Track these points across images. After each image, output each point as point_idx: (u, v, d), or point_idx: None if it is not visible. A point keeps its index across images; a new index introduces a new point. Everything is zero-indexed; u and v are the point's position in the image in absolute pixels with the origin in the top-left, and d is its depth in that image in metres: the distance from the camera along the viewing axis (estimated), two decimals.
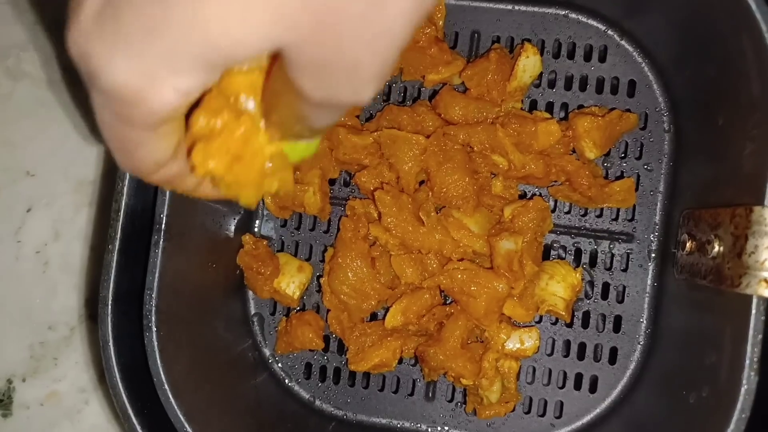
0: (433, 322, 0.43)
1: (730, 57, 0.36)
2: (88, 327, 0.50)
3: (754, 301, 0.33)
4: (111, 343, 0.37)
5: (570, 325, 0.44)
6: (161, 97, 0.19)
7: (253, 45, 0.18)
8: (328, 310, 0.45)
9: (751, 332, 0.33)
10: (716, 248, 0.35)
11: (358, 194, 0.46)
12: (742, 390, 0.33)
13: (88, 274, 0.50)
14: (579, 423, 0.44)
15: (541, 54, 0.45)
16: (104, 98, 0.20)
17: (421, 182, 0.44)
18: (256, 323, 0.46)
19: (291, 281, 0.45)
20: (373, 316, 0.45)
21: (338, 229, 0.45)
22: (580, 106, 0.44)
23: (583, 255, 0.44)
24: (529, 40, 0.45)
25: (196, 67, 0.19)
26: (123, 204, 0.37)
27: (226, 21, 0.18)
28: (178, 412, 0.37)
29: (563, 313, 0.42)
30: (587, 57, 0.45)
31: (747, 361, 0.33)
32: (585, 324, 0.44)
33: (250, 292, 0.46)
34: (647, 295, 0.43)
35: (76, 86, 0.51)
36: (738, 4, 0.34)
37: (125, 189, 0.37)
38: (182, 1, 0.18)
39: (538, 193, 0.45)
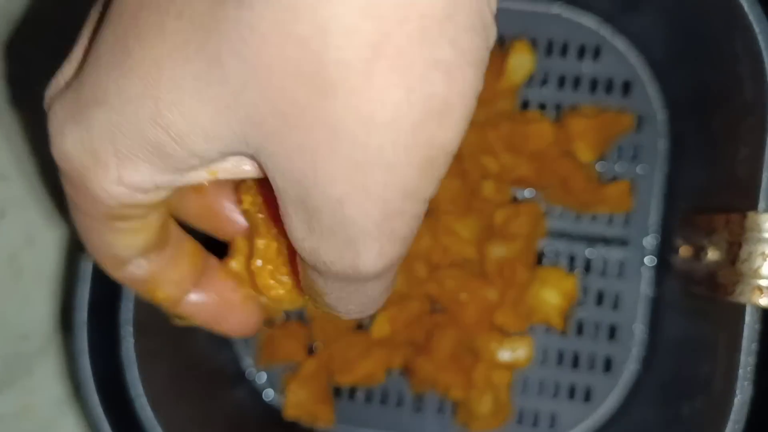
0: (422, 332, 0.42)
1: (724, 59, 0.36)
2: (65, 337, 0.48)
3: (748, 309, 0.32)
4: (85, 354, 0.35)
5: (563, 333, 0.43)
6: (107, 186, 0.17)
7: (213, 136, 0.15)
8: (312, 320, 0.43)
9: (744, 341, 0.32)
10: (710, 255, 0.34)
11: None
12: (736, 400, 0.32)
13: (64, 282, 0.49)
14: None
15: (533, 52, 0.44)
16: (61, 172, 0.18)
17: None
18: None
19: None
20: (359, 326, 0.44)
21: None
22: (573, 107, 0.44)
23: (576, 260, 0.43)
24: (520, 38, 0.44)
25: (146, 155, 0.16)
26: None
27: (179, 99, 0.15)
28: (157, 425, 0.36)
29: (557, 321, 0.41)
30: (580, 56, 0.44)
31: (741, 371, 0.32)
32: (579, 332, 0.43)
33: None
34: (642, 302, 0.43)
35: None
36: (730, 4, 0.33)
37: None
38: (139, 72, 0.15)
39: (530, 196, 0.44)
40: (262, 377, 0.45)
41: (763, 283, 0.31)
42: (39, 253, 0.49)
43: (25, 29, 0.50)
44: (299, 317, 0.45)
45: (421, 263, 0.41)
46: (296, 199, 0.15)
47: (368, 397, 0.44)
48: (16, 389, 0.48)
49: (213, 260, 0.24)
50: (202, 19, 0.14)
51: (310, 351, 0.44)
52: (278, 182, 0.15)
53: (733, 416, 0.32)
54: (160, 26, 0.15)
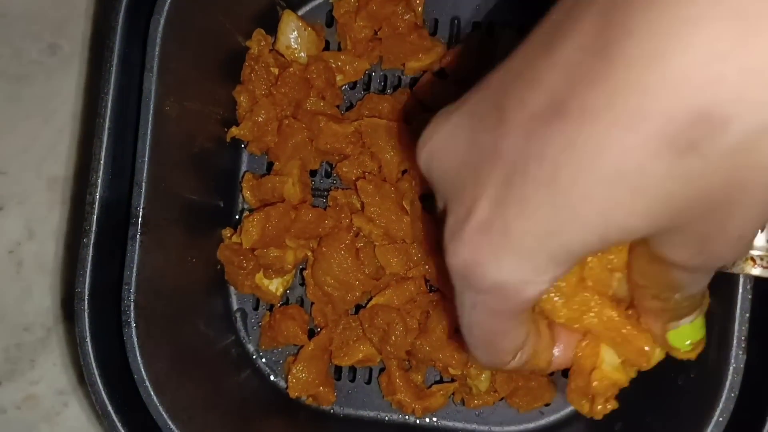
0: (419, 312, 0.42)
1: None
2: (65, 328, 0.48)
3: (741, 279, 0.33)
4: (88, 340, 0.35)
5: None
6: (533, 291, 0.21)
7: (632, 235, 0.19)
8: (312, 303, 0.44)
9: (738, 311, 0.33)
10: None
11: (339, 185, 0.45)
12: (731, 369, 0.33)
13: (64, 274, 0.49)
14: (568, 410, 0.43)
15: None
16: (481, 297, 0.22)
17: (404, 171, 0.43)
18: (239, 319, 0.45)
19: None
20: (357, 308, 0.44)
21: None
22: None
23: None
24: (510, 25, 0.44)
25: (574, 261, 0.21)
26: (97, 196, 0.36)
27: (627, 219, 0.19)
28: (161, 409, 0.36)
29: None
30: None
31: (735, 341, 0.33)
32: None
33: (232, 288, 0.45)
34: None
35: (47, 83, 0.50)
36: None
37: (99, 181, 0.36)
38: (584, 212, 0.19)
39: None
40: (265, 361, 0.45)
41: (755, 253, 0.32)
42: (39, 245, 0.49)
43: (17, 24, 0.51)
44: (300, 302, 0.45)
45: (417, 246, 0.42)
46: (694, 243, 0.20)
47: (368, 380, 0.44)
48: (18, 380, 0.48)
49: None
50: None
51: (311, 334, 0.44)
52: (675, 238, 0.20)
53: (728, 384, 0.32)
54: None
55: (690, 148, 0.17)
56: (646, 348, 0.26)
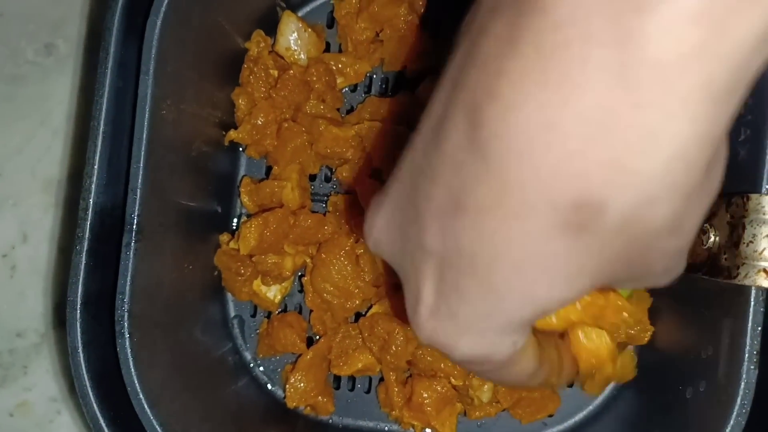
0: None
1: None
2: (59, 334, 0.48)
3: (753, 292, 0.32)
4: (80, 350, 0.35)
5: None
6: (502, 354, 0.23)
7: (576, 297, 0.21)
8: (311, 311, 0.43)
9: (750, 324, 0.32)
10: (711, 238, 0.34)
11: (339, 189, 0.44)
12: (742, 384, 0.32)
13: (58, 278, 0.48)
14: (572, 421, 0.42)
15: None
16: (461, 362, 0.24)
17: None
18: (236, 326, 0.45)
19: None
20: (358, 316, 0.43)
21: None
22: None
23: None
24: None
25: (527, 325, 0.23)
26: (91, 202, 0.35)
27: (550, 292, 0.21)
28: (155, 423, 0.35)
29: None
30: None
31: (746, 355, 0.32)
32: None
33: (230, 294, 0.44)
34: None
35: (43, 83, 0.49)
36: None
37: (93, 186, 0.35)
38: (508, 294, 0.21)
39: None
40: (262, 369, 0.44)
41: None
42: (33, 249, 0.48)
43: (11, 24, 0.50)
44: (298, 309, 0.44)
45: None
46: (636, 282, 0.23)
47: (367, 390, 0.44)
48: (11, 387, 0.47)
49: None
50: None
51: (310, 343, 0.44)
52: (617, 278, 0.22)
53: (739, 400, 0.32)
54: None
55: (581, 229, 0.19)
56: (619, 303, 0.29)
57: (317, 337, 0.43)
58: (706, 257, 0.35)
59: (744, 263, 0.31)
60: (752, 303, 0.32)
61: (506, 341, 0.23)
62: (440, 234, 0.21)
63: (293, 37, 0.44)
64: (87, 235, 0.35)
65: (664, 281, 0.24)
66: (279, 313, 0.44)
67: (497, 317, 0.22)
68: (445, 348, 0.23)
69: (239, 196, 0.44)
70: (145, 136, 0.36)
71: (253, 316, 0.45)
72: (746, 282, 0.31)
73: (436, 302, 0.22)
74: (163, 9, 0.36)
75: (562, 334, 0.29)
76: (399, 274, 0.25)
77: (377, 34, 0.44)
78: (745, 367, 0.31)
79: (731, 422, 0.32)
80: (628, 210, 0.18)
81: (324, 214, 0.43)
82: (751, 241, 0.31)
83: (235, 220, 0.45)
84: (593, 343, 0.29)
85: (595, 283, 0.21)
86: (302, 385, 0.42)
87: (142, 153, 0.36)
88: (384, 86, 0.45)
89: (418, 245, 0.22)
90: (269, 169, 0.44)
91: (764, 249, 0.31)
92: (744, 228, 0.31)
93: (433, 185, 0.21)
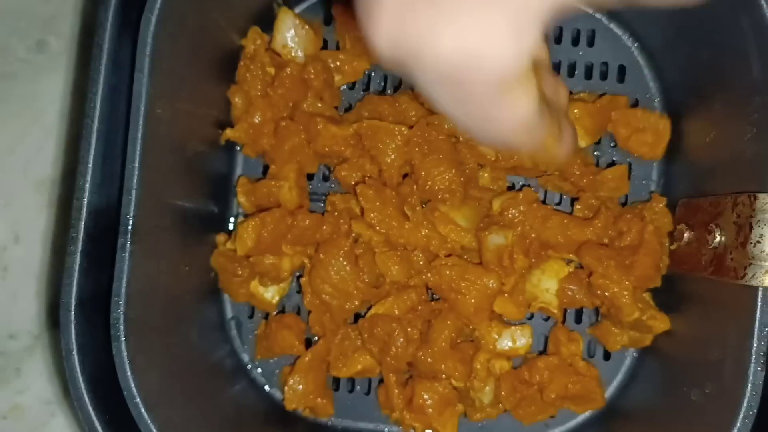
0: (420, 322, 0.41)
1: (727, 38, 0.35)
2: (52, 335, 0.47)
3: (760, 293, 0.31)
4: (75, 353, 0.34)
5: (563, 321, 0.42)
6: (498, 56, 0.17)
7: None
8: (309, 312, 0.42)
9: (757, 325, 0.31)
10: (717, 238, 0.34)
11: (338, 189, 0.43)
12: (749, 386, 0.31)
13: (51, 280, 0.47)
14: (574, 422, 0.42)
15: None
16: (437, 75, 0.17)
17: (405, 175, 0.42)
18: (233, 328, 0.44)
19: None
20: (357, 317, 0.43)
21: None
22: (569, 93, 0.43)
23: None
24: None
25: (538, 20, 0.17)
26: (85, 201, 0.34)
27: None
28: (152, 427, 0.34)
29: (555, 311, 0.41)
30: (575, 42, 0.43)
31: (753, 356, 0.31)
32: (578, 319, 0.42)
33: (227, 296, 0.44)
34: None
35: (35, 81, 0.48)
36: None
37: (87, 185, 0.34)
38: None
39: (527, 184, 0.43)
40: (260, 371, 0.44)
41: None
42: (25, 250, 0.47)
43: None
44: (296, 310, 0.44)
45: (419, 253, 0.40)
46: None
47: (367, 392, 0.43)
48: (4, 390, 0.46)
49: None
50: None
51: (309, 344, 0.43)
52: None
53: (746, 402, 0.31)
54: None
55: None
56: None
57: (316, 338, 0.43)
58: (712, 257, 0.34)
59: (751, 263, 0.31)
60: (759, 304, 0.31)
61: (505, 32, 0.17)
62: None
63: (290, 34, 0.43)
64: (81, 235, 0.34)
65: None
66: (277, 314, 0.43)
67: None
68: (418, 47, 0.17)
69: (236, 195, 0.43)
70: (140, 135, 0.35)
71: (251, 317, 0.44)
72: (753, 282, 0.31)
73: None
74: (158, 5, 0.35)
75: None
76: None
77: None
78: (752, 369, 0.31)
79: (738, 424, 0.31)
80: None
81: (322, 214, 0.42)
82: (758, 242, 0.31)
83: (232, 220, 0.44)
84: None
85: None
86: (301, 387, 0.41)
87: (137, 152, 0.35)
88: (383, 84, 0.44)
89: None
90: (266, 168, 0.44)
91: None
92: (751, 228, 0.31)
93: None
